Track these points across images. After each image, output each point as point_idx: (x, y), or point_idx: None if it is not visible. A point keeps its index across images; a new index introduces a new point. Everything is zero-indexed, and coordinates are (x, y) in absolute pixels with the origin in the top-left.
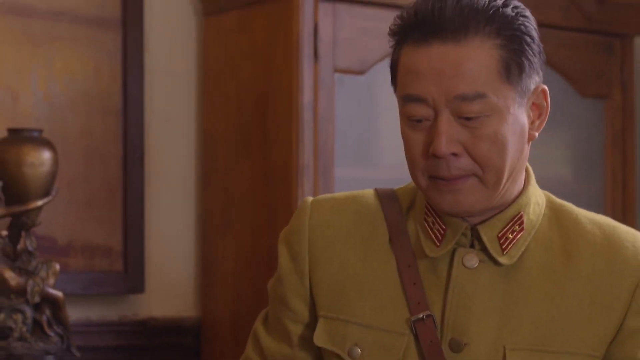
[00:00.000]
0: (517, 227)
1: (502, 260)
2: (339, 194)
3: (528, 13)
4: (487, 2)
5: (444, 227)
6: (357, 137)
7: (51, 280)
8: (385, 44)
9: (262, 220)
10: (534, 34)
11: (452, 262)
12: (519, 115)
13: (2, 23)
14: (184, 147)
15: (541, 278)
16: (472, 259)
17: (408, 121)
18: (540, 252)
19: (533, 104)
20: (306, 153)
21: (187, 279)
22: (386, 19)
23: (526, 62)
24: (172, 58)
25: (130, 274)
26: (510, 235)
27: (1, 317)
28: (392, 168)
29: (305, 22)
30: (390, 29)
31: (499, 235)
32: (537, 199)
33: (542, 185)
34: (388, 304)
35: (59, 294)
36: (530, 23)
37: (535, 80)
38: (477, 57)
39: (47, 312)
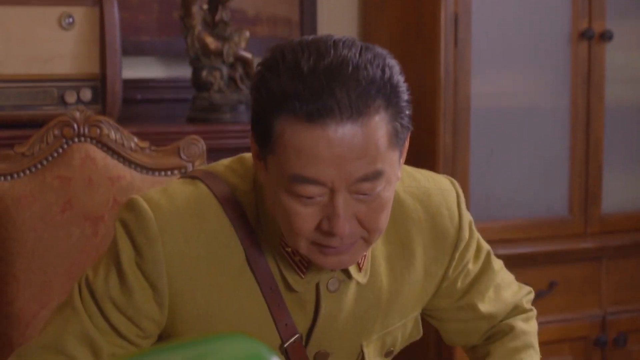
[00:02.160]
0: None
1: (359, 278)
2: (182, 205)
3: (394, 61)
4: (375, 73)
5: (307, 258)
6: None
7: (242, 44)
8: None
9: None
10: (404, 82)
11: (318, 289)
12: (399, 170)
13: None
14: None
15: (386, 274)
16: (335, 283)
17: (297, 197)
18: (381, 246)
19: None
20: None
21: None
22: None
23: (407, 119)
24: None
25: None
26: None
27: (204, 73)
28: None
29: None
30: (263, 89)
31: None
32: None
33: None
34: (257, 329)
35: (249, 55)
36: (401, 76)
37: (409, 129)
38: (374, 135)
39: (240, 69)
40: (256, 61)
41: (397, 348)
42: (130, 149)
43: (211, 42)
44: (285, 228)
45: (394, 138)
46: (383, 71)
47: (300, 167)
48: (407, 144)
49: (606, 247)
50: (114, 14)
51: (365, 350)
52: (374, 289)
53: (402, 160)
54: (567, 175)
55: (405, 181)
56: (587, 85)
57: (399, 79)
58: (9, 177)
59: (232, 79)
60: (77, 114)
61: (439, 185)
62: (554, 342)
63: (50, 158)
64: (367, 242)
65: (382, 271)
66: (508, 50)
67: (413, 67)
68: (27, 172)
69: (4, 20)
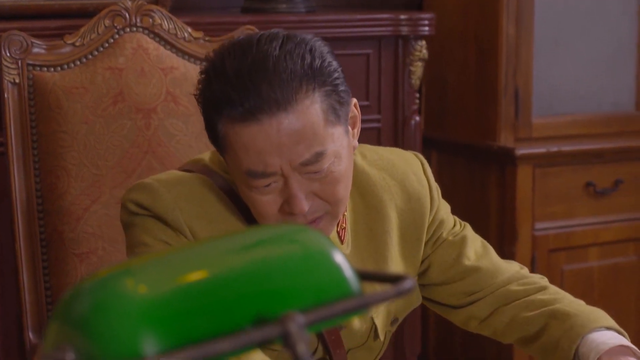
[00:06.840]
0: (345, 213)
1: (344, 250)
2: (186, 180)
3: (318, 43)
4: (295, 63)
5: None
6: None
7: None
8: None
9: None
10: (333, 61)
11: None
12: (348, 142)
13: None
14: None
15: (368, 243)
16: None
17: (255, 189)
18: (356, 217)
19: (349, 119)
20: None
21: None
22: None
23: (342, 94)
24: None
25: None
26: (343, 225)
27: None
28: None
29: None
30: (202, 97)
31: (338, 230)
32: None
33: None
34: None
35: None
36: (327, 55)
37: (349, 101)
38: (307, 119)
39: None
40: None
41: (401, 316)
42: (184, 39)
43: None
44: (254, 213)
45: (332, 115)
46: (303, 59)
47: (249, 163)
48: (358, 113)
49: None
50: None
51: (376, 322)
52: (362, 258)
53: (357, 130)
54: (634, 68)
55: (368, 156)
56: None
57: (323, 60)
58: (59, 68)
59: None
60: (129, 3)
61: (403, 157)
62: (618, 242)
63: (101, 48)
64: (333, 214)
65: (364, 241)
66: None
67: None
68: (78, 62)
69: None
